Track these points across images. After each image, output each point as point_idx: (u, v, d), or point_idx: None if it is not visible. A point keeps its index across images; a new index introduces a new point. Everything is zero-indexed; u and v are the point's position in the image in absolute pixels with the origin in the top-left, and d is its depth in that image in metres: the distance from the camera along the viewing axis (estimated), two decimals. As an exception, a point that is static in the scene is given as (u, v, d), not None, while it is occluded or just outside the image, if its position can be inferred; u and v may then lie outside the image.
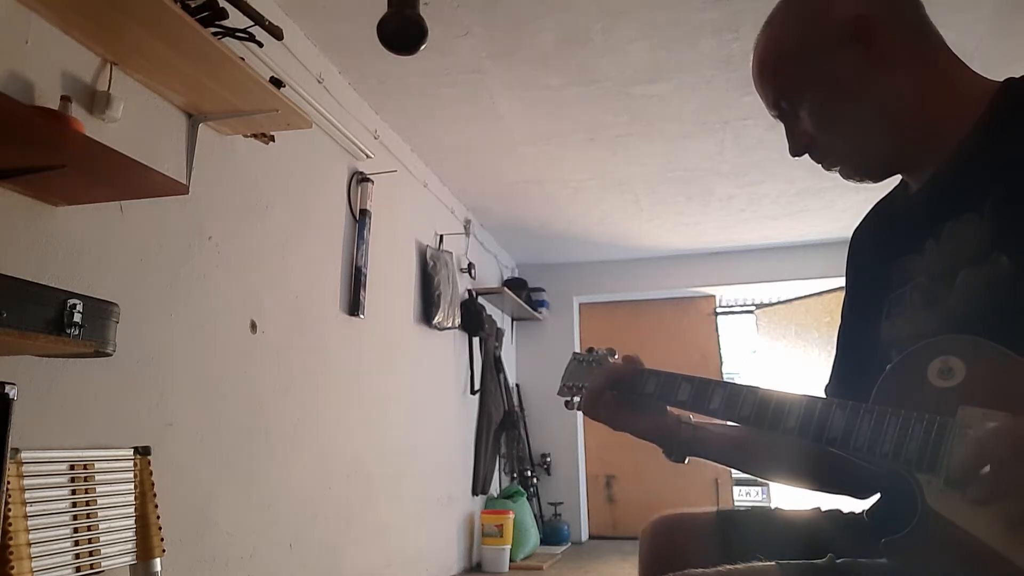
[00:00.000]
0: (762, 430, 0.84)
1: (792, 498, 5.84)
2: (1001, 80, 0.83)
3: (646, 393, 0.98)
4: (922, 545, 0.70)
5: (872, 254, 0.98)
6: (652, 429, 1.03)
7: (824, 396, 1.02)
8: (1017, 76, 0.83)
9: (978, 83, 0.85)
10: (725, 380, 0.91)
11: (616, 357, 1.10)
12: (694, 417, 1.02)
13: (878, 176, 0.92)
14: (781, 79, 0.92)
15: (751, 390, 0.86)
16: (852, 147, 0.90)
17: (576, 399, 1.12)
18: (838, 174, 0.94)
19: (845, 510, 1.04)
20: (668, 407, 1.00)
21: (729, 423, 0.89)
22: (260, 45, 2.12)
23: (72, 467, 1.55)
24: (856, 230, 1.05)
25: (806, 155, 0.95)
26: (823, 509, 1.05)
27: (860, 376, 0.89)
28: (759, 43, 0.94)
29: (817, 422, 0.78)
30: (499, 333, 5.24)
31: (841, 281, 1.08)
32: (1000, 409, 0.66)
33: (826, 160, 0.93)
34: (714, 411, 0.89)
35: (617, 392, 1.00)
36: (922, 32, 0.87)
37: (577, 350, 1.17)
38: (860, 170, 0.92)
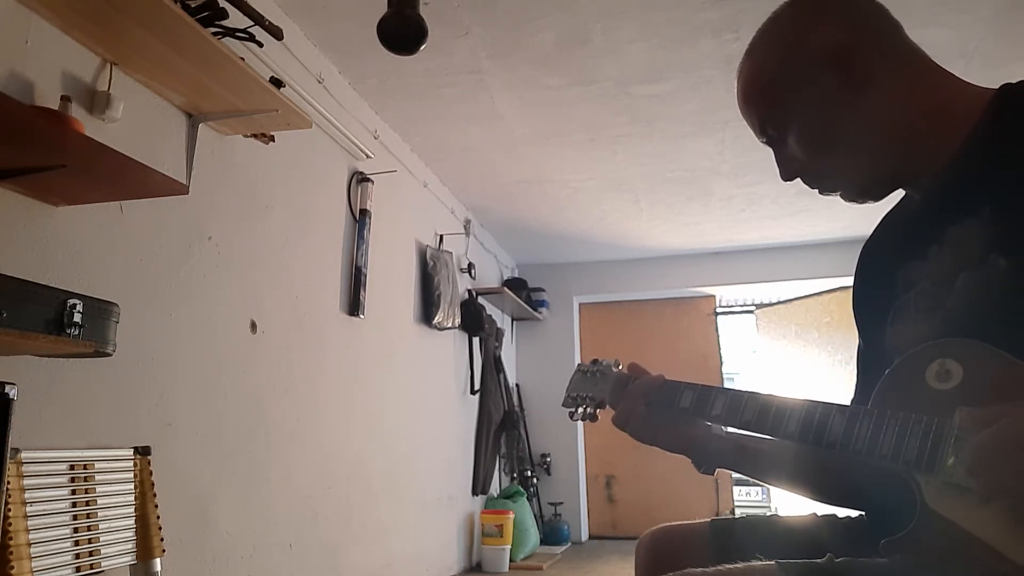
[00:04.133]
0: (763, 434, 0.85)
1: (792, 502, 5.83)
2: (997, 86, 0.84)
3: (648, 403, 0.99)
4: (921, 545, 0.71)
5: (880, 264, 0.98)
6: (683, 441, 1.02)
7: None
8: (1013, 82, 0.83)
9: (971, 92, 0.85)
10: (726, 387, 0.92)
11: (620, 367, 1.10)
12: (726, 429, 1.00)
13: (877, 196, 0.92)
14: (767, 107, 0.92)
15: (752, 396, 0.87)
16: (843, 171, 0.90)
17: (580, 410, 1.12)
18: (839, 198, 0.94)
19: (841, 514, 1.04)
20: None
21: (763, 436, 0.87)
22: (260, 45, 2.12)
23: (72, 467, 1.55)
24: (865, 244, 1.04)
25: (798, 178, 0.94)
26: (819, 514, 1.05)
27: None
28: (742, 72, 0.94)
29: (817, 426, 0.79)
30: (499, 333, 5.24)
31: (841, 281, 1.09)
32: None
33: (821, 185, 0.94)
34: (716, 417, 0.90)
35: (647, 406, 1.01)
36: (904, 52, 0.87)
37: (580, 361, 1.17)
38: (857, 192, 0.92)
